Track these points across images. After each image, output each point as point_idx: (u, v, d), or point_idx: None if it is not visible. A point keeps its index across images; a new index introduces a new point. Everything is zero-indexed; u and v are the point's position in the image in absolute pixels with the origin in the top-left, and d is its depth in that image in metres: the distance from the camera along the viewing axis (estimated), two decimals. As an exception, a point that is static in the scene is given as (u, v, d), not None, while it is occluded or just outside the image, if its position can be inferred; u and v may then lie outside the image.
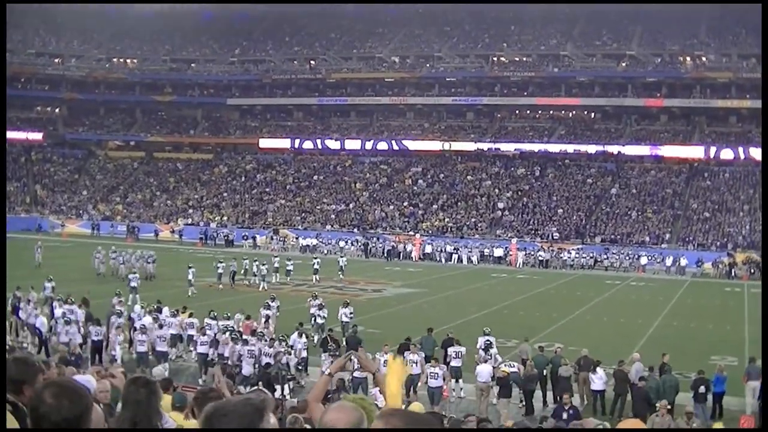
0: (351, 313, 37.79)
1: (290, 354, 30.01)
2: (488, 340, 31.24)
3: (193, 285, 51.85)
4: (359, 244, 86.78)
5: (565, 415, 23.01)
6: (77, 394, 4.23)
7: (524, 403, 28.04)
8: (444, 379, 27.38)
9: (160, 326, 33.17)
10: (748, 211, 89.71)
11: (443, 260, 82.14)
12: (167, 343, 32.76)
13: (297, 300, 47.66)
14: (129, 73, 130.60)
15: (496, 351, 30.64)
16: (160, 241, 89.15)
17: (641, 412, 24.49)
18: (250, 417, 3.45)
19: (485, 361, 28.55)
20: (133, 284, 48.45)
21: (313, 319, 37.84)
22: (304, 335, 32.03)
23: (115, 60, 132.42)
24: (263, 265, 56.64)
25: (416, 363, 27.76)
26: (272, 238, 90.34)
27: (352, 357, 7.71)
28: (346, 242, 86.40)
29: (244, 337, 31.37)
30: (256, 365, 29.49)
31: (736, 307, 55.21)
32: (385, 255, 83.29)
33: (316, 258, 66.55)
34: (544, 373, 28.82)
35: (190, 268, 52.64)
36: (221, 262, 57.26)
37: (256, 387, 16.53)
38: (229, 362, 29.29)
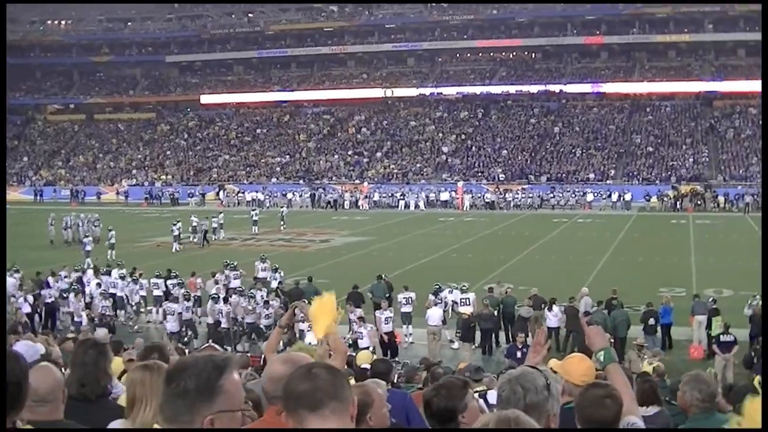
0: (281, 278, 36.79)
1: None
2: (437, 284, 31.23)
3: (177, 242, 52.14)
4: (306, 195, 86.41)
5: (519, 354, 23.05)
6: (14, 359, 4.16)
7: (476, 344, 28.22)
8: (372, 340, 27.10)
9: (135, 281, 34.23)
10: (691, 144, 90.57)
11: (366, 207, 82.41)
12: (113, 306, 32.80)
13: (246, 254, 47.54)
14: (64, 34, 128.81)
15: (446, 295, 30.60)
16: (105, 203, 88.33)
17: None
18: (208, 372, 3.41)
19: (435, 305, 28.64)
20: (87, 248, 47.94)
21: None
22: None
23: (49, 22, 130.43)
24: (174, 224, 54.50)
25: (390, 318, 27.73)
26: (218, 194, 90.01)
27: (298, 308, 7.65)
28: (293, 194, 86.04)
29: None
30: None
31: (682, 239, 55.74)
32: (332, 205, 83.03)
33: (254, 210, 66.33)
34: (495, 314, 28.93)
35: (174, 224, 52.95)
36: (213, 217, 57.10)
37: (207, 344, 16.48)
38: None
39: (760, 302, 27.25)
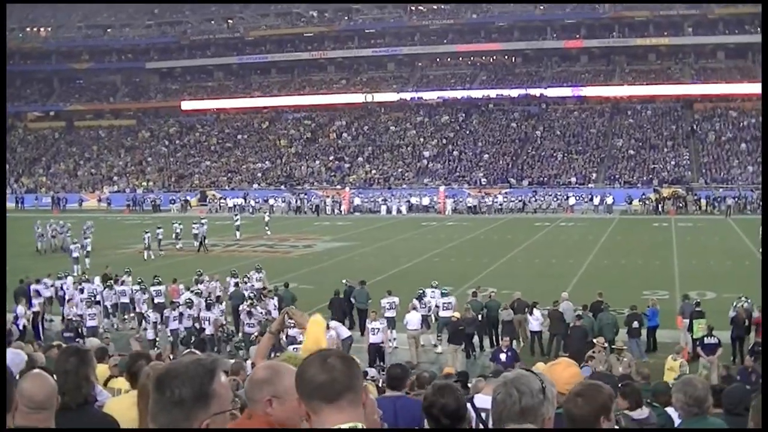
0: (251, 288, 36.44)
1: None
2: (421, 290, 31.14)
3: (150, 249, 51.58)
4: (288, 201, 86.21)
5: (503, 357, 23.05)
6: None
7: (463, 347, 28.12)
8: (384, 333, 27.00)
9: (143, 290, 33.42)
10: (672, 147, 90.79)
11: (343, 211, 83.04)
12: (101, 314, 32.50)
13: (229, 261, 47.49)
14: (44, 41, 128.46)
15: (429, 300, 30.49)
16: (87, 210, 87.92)
17: (580, 350, 24.75)
18: (200, 378, 3.41)
19: (414, 309, 28.53)
20: (74, 255, 47.58)
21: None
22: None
23: (28, 29, 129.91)
24: (145, 232, 53.56)
25: (378, 330, 27.32)
26: (205, 200, 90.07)
27: (288, 313, 7.57)
28: (275, 199, 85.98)
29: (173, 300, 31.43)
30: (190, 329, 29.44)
31: (665, 241, 55.87)
32: (314, 210, 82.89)
33: (237, 215, 66.41)
34: (480, 318, 28.84)
35: (146, 233, 52.44)
36: (195, 224, 56.69)
37: (188, 350, 16.38)
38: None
39: (744, 304, 27.34)
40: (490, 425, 6.83)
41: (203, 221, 59.01)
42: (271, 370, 4.17)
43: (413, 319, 28.09)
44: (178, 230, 56.75)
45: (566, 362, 6.77)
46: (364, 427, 3.54)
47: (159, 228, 55.35)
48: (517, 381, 4.30)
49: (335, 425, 3.46)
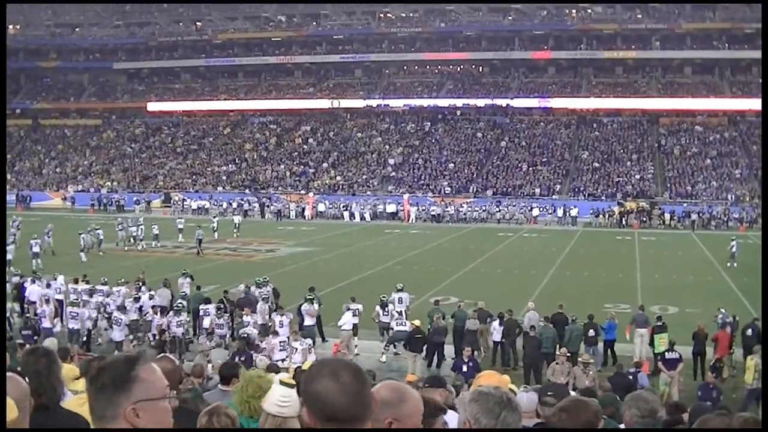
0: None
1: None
2: (384, 296, 30.98)
3: (85, 251, 50.67)
4: (251, 204, 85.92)
5: (465, 368, 22.92)
6: None
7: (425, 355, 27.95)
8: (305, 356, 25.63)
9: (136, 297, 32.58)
10: (637, 161, 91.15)
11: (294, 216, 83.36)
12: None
13: (194, 263, 47.18)
14: (11, 38, 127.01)
15: (394, 308, 30.36)
16: (51, 209, 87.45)
17: (533, 361, 24.83)
18: (120, 365, 3.56)
19: (348, 310, 28.86)
20: (35, 249, 47.28)
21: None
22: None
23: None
24: (79, 233, 52.53)
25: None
26: (163, 202, 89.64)
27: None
28: (238, 203, 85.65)
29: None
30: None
31: (628, 254, 56.07)
32: (276, 215, 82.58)
33: (214, 217, 67.08)
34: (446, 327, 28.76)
35: (80, 234, 51.56)
36: (154, 225, 57.47)
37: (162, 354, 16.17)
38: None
39: (720, 316, 27.66)
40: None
41: (200, 225, 59.13)
42: (396, 392, 4.06)
43: (346, 319, 28.53)
44: (125, 232, 57.41)
45: (488, 373, 6.83)
46: None
47: (98, 229, 55.20)
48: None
49: None
